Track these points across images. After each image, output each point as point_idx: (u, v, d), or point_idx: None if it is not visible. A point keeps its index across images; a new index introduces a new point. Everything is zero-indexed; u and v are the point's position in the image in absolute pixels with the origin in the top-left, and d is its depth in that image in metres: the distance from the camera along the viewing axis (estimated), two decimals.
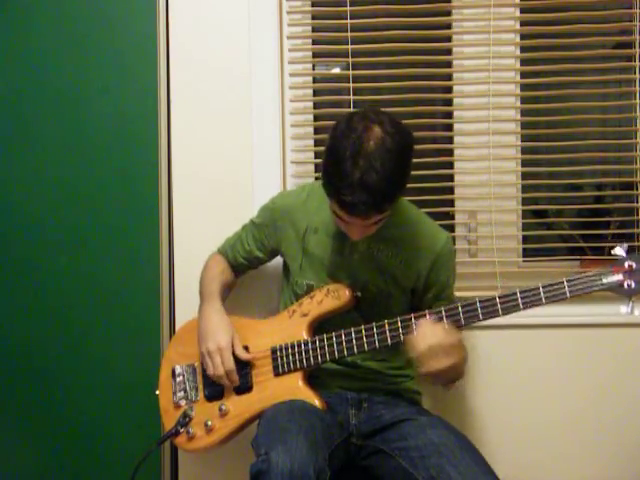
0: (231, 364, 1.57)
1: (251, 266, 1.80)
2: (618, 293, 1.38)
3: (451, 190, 2.00)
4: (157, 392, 1.71)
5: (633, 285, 1.36)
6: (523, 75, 1.99)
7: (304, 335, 1.57)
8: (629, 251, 1.39)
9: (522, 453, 1.93)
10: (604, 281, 1.37)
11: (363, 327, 1.50)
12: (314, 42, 2.01)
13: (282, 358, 1.57)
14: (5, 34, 1.99)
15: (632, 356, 1.92)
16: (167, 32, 1.95)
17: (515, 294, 1.40)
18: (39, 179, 2.00)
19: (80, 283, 2.00)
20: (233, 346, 1.59)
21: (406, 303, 1.63)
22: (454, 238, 1.98)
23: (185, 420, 1.62)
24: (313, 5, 2.01)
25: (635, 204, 1.96)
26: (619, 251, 1.39)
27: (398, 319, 1.47)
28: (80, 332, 2.00)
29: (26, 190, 2.00)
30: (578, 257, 2.02)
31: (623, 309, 1.38)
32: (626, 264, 1.37)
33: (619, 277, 1.37)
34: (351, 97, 1.94)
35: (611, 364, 1.92)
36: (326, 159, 1.39)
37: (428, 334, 1.39)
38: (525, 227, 2.01)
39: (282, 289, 1.75)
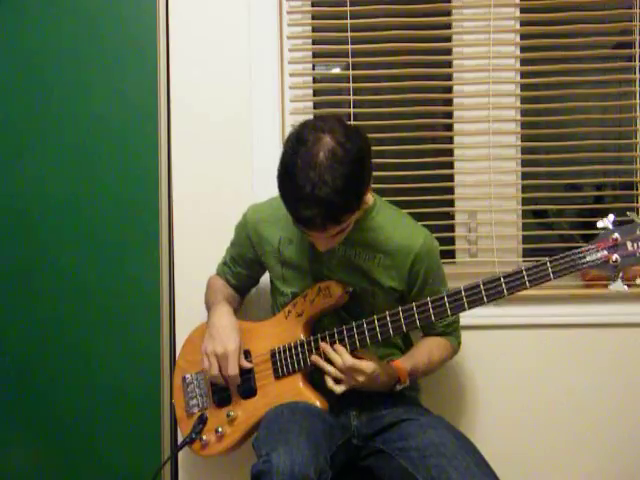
0: (236, 371, 1.57)
1: (249, 284, 1.81)
2: (605, 270, 1.32)
3: (451, 190, 2.00)
4: (173, 401, 1.74)
5: (619, 259, 1.30)
6: (523, 75, 1.99)
7: (301, 335, 1.57)
8: (616, 224, 1.32)
9: (522, 453, 1.93)
10: (588, 259, 1.31)
11: (354, 324, 1.51)
12: (314, 42, 2.01)
13: (281, 361, 1.57)
14: (3, 35, 1.99)
15: (631, 356, 1.92)
16: (167, 32, 1.95)
17: (499, 279, 1.37)
18: (36, 188, 2.00)
19: (80, 292, 2.00)
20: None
21: (392, 299, 1.62)
22: (454, 238, 1.99)
23: (199, 427, 1.63)
24: (313, 5, 2.01)
25: (635, 204, 1.96)
26: (604, 223, 1.32)
27: (387, 313, 1.48)
28: (80, 343, 2.00)
29: (25, 200, 2.00)
30: None
31: (612, 286, 1.32)
32: (611, 238, 1.31)
33: (603, 253, 1.30)
34: (351, 97, 1.94)
35: (610, 364, 1.92)
36: (279, 173, 1.38)
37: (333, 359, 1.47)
38: (525, 227, 2.00)
39: (271, 301, 1.75)
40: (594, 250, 1.31)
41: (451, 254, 2.00)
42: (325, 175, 1.31)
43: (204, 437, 1.63)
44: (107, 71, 1.97)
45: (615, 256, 1.30)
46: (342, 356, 1.47)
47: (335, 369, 1.47)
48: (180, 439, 1.72)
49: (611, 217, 1.33)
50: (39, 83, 1.99)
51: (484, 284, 1.39)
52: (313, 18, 2.00)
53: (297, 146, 1.35)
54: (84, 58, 1.98)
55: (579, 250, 1.32)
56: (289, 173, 1.34)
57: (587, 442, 1.93)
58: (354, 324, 1.51)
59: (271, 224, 1.65)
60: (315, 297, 1.57)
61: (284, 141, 1.41)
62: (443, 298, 1.43)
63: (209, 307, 1.71)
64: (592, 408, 1.93)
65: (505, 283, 1.37)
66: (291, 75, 1.99)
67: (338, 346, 1.49)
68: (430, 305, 1.44)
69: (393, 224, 1.60)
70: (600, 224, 1.33)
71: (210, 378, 1.61)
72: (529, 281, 1.35)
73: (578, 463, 1.94)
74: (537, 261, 1.36)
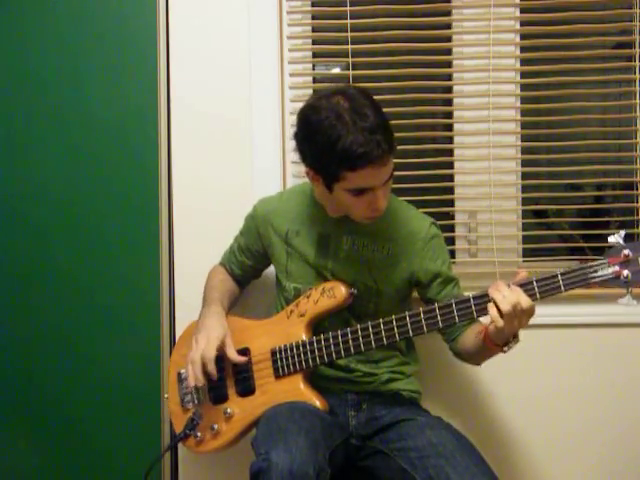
0: (212, 353, 1.52)
1: (252, 275, 1.81)
2: (615, 285, 1.33)
3: (451, 190, 2.00)
4: (166, 395, 1.73)
5: (630, 276, 1.31)
6: (523, 75, 1.99)
7: (303, 336, 1.56)
8: (627, 239, 1.33)
9: (521, 453, 1.93)
10: (599, 273, 1.32)
11: (359, 327, 1.49)
12: (314, 42, 2.01)
13: (282, 360, 1.56)
14: (2, 35, 1.99)
15: (631, 356, 1.92)
16: (167, 32, 1.95)
17: (509, 287, 1.35)
18: (37, 189, 2.00)
19: (80, 291, 2.00)
20: (225, 346, 1.57)
21: (396, 300, 1.62)
22: (454, 238, 1.99)
23: (193, 423, 1.61)
24: (313, 5, 2.01)
25: (635, 204, 1.96)
26: (615, 239, 1.33)
27: (393, 317, 1.46)
28: (80, 342, 2.00)
29: (24, 200, 2.00)
30: (578, 257, 2.02)
31: (621, 301, 1.33)
32: (622, 253, 1.31)
33: (615, 268, 1.31)
34: None
35: (610, 364, 1.92)
36: (315, 144, 1.39)
37: (508, 295, 1.31)
38: (525, 227, 2.00)
39: (276, 294, 1.74)
40: (605, 265, 1.32)
41: (451, 254, 1.99)
42: (360, 109, 1.36)
43: (199, 433, 1.61)
44: (107, 71, 1.97)
45: (626, 272, 1.31)
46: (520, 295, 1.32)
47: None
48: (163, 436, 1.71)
49: (622, 233, 1.34)
50: (39, 83, 1.99)
51: None
52: (313, 18, 2.00)
53: (316, 114, 1.39)
54: (84, 58, 1.98)
55: (590, 264, 1.32)
56: (328, 132, 1.36)
57: (586, 442, 1.93)
58: (359, 327, 1.49)
59: (280, 215, 1.65)
60: (319, 297, 1.56)
61: (301, 127, 1.44)
62: (451, 305, 1.42)
63: (203, 304, 1.71)
64: (592, 408, 1.93)
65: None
66: (291, 75, 1.99)
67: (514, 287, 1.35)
68: (438, 312, 1.43)
69: (399, 211, 1.61)
70: (611, 239, 1.34)
71: (192, 366, 1.55)
72: (540, 292, 1.34)
73: (577, 463, 1.94)
74: (548, 273, 1.35)
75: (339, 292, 1.55)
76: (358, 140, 1.34)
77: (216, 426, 1.59)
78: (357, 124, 1.34)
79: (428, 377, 1.81)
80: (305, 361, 1.54)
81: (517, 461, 1.93)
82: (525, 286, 1.35)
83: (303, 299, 1.59)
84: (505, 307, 1.30)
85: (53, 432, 2.01)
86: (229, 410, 1.59)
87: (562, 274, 1.33)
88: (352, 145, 1.34)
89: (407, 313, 1.46)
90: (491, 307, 1.33)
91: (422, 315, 1.44)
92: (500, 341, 1.38)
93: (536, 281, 1.35)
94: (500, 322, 1.31)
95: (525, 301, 1.31)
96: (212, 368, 1.53)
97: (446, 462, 1.34)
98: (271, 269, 1.78)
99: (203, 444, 1.62)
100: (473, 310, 1.40)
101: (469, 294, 1.42)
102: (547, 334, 1.93)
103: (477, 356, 1.56)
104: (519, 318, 1.32)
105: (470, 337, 1.53)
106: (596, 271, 1.32)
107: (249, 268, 1.78)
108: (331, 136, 1.35)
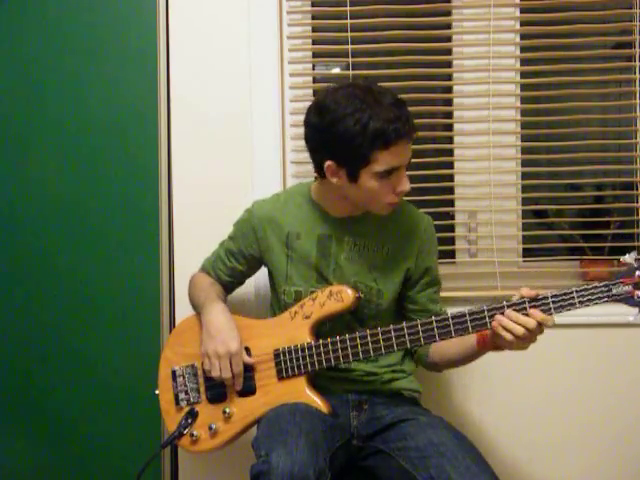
0: (241, 368, 1.54)
1: (237, 281, 1.77)
2: (627, 304, 1.37)
3: (451, 190, 2.00)
4: (157, 392, 1.68)
5: None
6: (523, 75, 1.99)
7: (307, 338, 1.54)
8: (637, 260, 1.37)
9: (522, 453, 1.93)
10: (614, 292, 1.36)
11: (369, 332, 1.48)
12: (314, 42, 2.01)
13: (286, 362, 1.54)
14: (2, 35, 1.99)
15: (630, 356, 1.92)
16: (167, 32, 1.96)
17: (524, 303, 1.38)
18: (37, 188, 2.00)
19: (80, 291, 2.00)
20: None
21: (396, 301, 1.62)
22: (454, 238, 1.99)
23: (188, 422, 1.58)
24: (313, 5, 2.01)
25: (635, 204, 1.96)
26: (628, 259, 1.37)
27: (404, 324, 1.45)
28: (80, 342, 2.00)
29: (25, 200, 2.01)
30: (578, 257, 2.02)
31: (630, 318, 1.37)
32: (636, 275, 1.35)
33: (628, 288, 1.35)
34: None
35: (610, 364, 1.93)
36: (343, 131, 1.40)
37: (511, 326, 1.37)
38: (525, 227, 2.01)
39: (271, 300, 1.72)
40: (620, 284, 1.36)
41: (451, 254, 2.00)
42: (379, 90, 1.42)
43: (195, 432, 1.58)
44: (107, 71, 1.97)
45: (639, 292, 1.36)
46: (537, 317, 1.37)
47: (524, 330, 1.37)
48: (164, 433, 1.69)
49: (633, 254, 1.38)
50: (39, 83, 1.99)
51: (508, 306, 1.39)
52: (313, 18, 2.01)
53: (336, 103, 1.42)
54: (84, 58, 1.98)
55: (605, 283, 1.36)
56: (357, 117, 1.39)
57: (587, 442, 1.93)
58: (369, 332, 1.48)
59: (279, 218, 1.64)
60: (326, 300, 1.54)
61: (319, 125, 1.45)
62: (465, 315, 1.42)
63: (198, 305, 1.66)
64: (592, 408, 1.93)
65: (530, 308, 1.37)
66: (291, 75, 1.99)
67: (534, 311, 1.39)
68: (450, 321, 1.43)
69: (399, 209, 1.60)
70: (627, 259, 1.38)
71: (218, 380, 1.55)
72: (554, 308, 1.37)
73: (578, 463, 1.94)
74: (563, 288, 1.39)
75: (346, 296, 1.53)
76: (389, 117, 1.38)
77: (214, 426, 1.57)
78: (382, 103, 1.39)
79: (428, 377, 1.81)
80: (311, 364, 1.52)
81: (517, 460, 1.93)
82: (541, 301, 1.37)
83: (308, 301, 1.56)
84: (512, 337, 1.38)
85: (53, 430, 2.02)
86: (228, 410, 1.56)
87: (577, 291, 1.36)
88: (384, 123, 1.38)
89: (419, 321, 1.45)
90: (504, 332, 1.38)
91: (434, 324, 1.44)
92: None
93: (552, 296, 1.37)
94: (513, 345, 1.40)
95: (532, 327, 1.36)
96: (240, 361, 1.53)
97: (447, 462, 1.33)
98: (263, 272, 1.77)
99: (199, 443, 1.58)
100: (487, 321, 1.40)
101: (484, 305, 1.41)
102: (547, 334, 1.91)
103: (456, 363, 1.59)
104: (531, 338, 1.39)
105: (452, 345, 1.53)
106: (610, 290, 1.36)
107: (239, 274, 1.74)
108: (361, 118, 1.38)
